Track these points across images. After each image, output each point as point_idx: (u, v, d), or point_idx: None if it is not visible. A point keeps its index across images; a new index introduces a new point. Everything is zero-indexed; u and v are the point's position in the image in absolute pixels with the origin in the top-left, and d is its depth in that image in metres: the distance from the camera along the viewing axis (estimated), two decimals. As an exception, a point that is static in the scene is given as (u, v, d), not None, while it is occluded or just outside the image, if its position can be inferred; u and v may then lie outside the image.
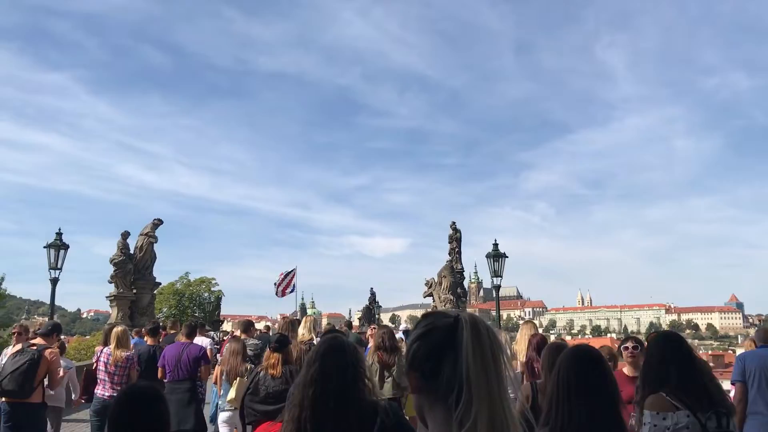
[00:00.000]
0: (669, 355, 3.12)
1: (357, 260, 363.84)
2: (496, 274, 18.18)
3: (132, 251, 24.65)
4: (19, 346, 7.58)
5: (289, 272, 30.86)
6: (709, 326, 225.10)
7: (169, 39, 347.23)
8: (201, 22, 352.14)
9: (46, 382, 7.50)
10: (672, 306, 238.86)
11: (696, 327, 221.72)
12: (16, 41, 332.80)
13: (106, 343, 8.67)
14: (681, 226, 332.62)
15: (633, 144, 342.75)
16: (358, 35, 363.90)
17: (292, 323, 9.76)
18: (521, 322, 8.84)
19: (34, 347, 7.40)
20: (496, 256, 18.16)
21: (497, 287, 18.45)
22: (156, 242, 25.25)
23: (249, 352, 8.82)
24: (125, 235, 24.45)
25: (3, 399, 7.30)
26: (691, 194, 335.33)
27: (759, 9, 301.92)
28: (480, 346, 1.28)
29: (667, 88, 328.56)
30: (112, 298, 23.79)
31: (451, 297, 27.52)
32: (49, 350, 7.43)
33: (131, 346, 8.89)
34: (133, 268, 24.41)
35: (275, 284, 30.24)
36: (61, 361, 8.32)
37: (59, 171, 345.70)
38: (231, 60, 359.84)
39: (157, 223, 25.40)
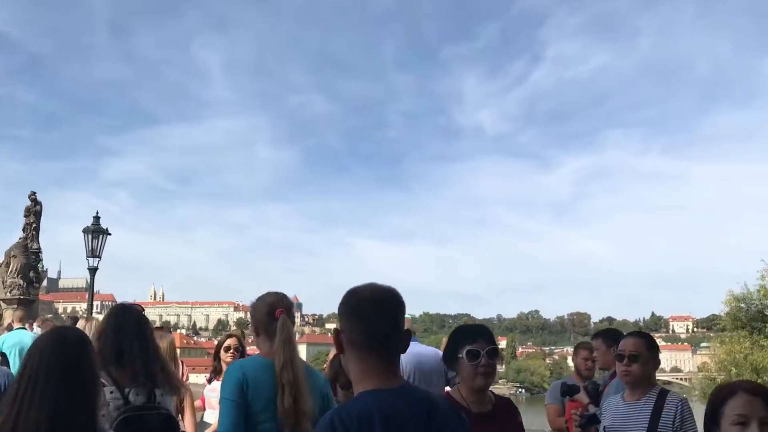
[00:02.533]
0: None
1: None
2: (94, 254, 14.77)
3: None
4: None
5: None
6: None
7: None
8: None
9: None
10: (240, 304, 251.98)
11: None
12: None
13: None
14: (256, 229, 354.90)
15: (220, 145, 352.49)
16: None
17: None
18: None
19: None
20: (97, 231, 14.78)
21: (94, 269, 14.99)
22: None
23: None
24: None
25: None
26: (268, 200, 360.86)
27: (338, 44, 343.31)
28: None
29: (256, 98, 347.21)
30: None
31: (21, 282, 22.45)
32: None
33: None
34: None
35: None
36: None
37: None
38: None
39: None
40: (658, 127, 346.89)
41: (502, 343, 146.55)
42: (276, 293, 3.11)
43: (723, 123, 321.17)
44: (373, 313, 1.84)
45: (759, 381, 20.32)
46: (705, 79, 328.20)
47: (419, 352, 4.95)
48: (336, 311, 1.95)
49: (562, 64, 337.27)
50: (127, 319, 3.32)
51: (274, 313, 2.99)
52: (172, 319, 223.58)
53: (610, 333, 5.20)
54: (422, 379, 4.73)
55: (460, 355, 2.97)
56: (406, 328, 1.90)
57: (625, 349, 3.59)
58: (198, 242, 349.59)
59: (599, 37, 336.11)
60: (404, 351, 1.91)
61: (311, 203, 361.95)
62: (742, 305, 22.91)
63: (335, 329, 1.90)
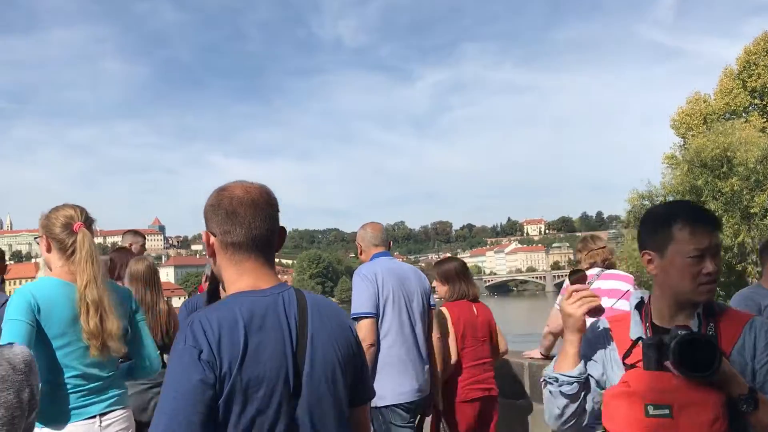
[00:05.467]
0: None
1: None
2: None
3: None
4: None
5: None
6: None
7: None
8: None
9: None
10: (99, 230, 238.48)
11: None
12: None
13: None
14: (105, 149, 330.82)
15: (59, 59, 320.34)
16: None
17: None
18: None
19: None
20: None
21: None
22: None
23: None
24: None
25: None
26: (117, 118, 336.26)
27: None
28: None
29: (95, 5, 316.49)
30: None
31: None
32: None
33: None
34: None
35: None
36: None
37: None
38: None
39: None
40: (511, 40, 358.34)
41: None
42: (74, 206, 2.73)
43: (570, 34, 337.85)
44: (250, 214, 1.65)
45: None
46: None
47: (398, 268, 4.07)
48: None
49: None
50: None
51: (71, 227, 2.65)
52: (24, 249, 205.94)
53: None
54: (406, 299, 3.91)
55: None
56: (281, 226, 1.73)
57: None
58: (42, 165, 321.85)
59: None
60: (279, 249, 1.79)
61: (164, 119, 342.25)
62: (645, 202, 23.20)
63: (205, 232, 1.71)
